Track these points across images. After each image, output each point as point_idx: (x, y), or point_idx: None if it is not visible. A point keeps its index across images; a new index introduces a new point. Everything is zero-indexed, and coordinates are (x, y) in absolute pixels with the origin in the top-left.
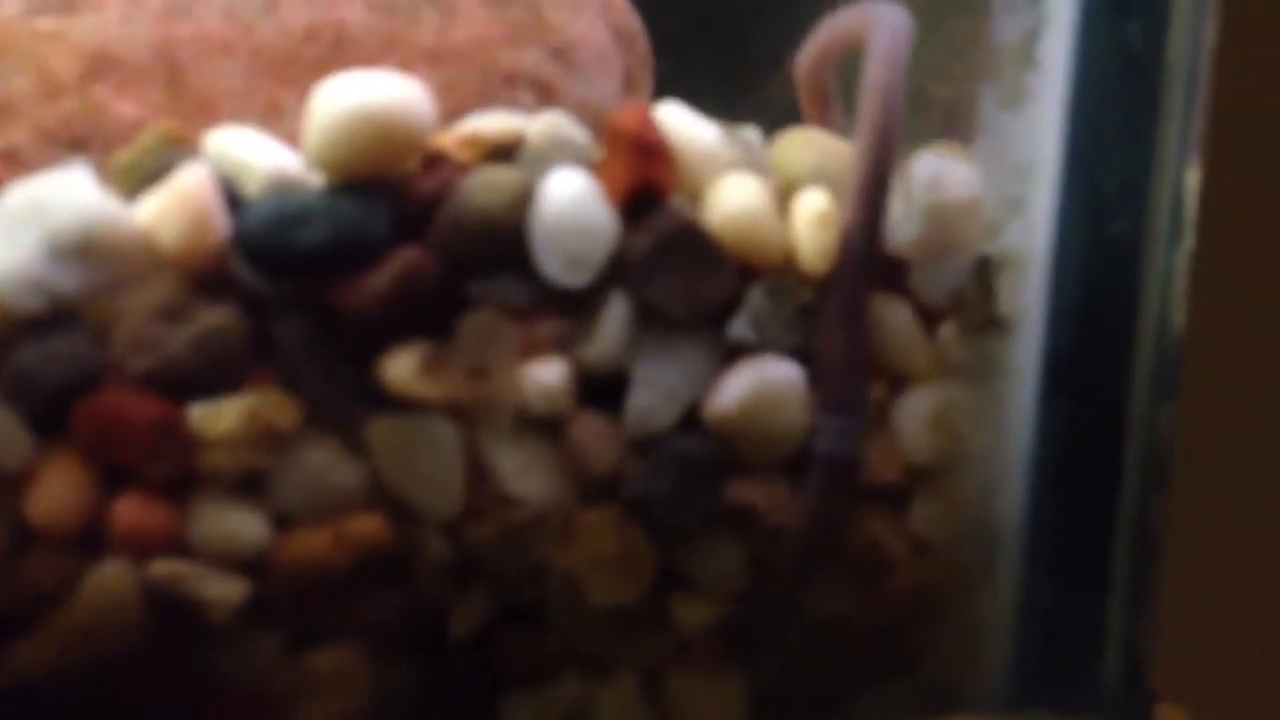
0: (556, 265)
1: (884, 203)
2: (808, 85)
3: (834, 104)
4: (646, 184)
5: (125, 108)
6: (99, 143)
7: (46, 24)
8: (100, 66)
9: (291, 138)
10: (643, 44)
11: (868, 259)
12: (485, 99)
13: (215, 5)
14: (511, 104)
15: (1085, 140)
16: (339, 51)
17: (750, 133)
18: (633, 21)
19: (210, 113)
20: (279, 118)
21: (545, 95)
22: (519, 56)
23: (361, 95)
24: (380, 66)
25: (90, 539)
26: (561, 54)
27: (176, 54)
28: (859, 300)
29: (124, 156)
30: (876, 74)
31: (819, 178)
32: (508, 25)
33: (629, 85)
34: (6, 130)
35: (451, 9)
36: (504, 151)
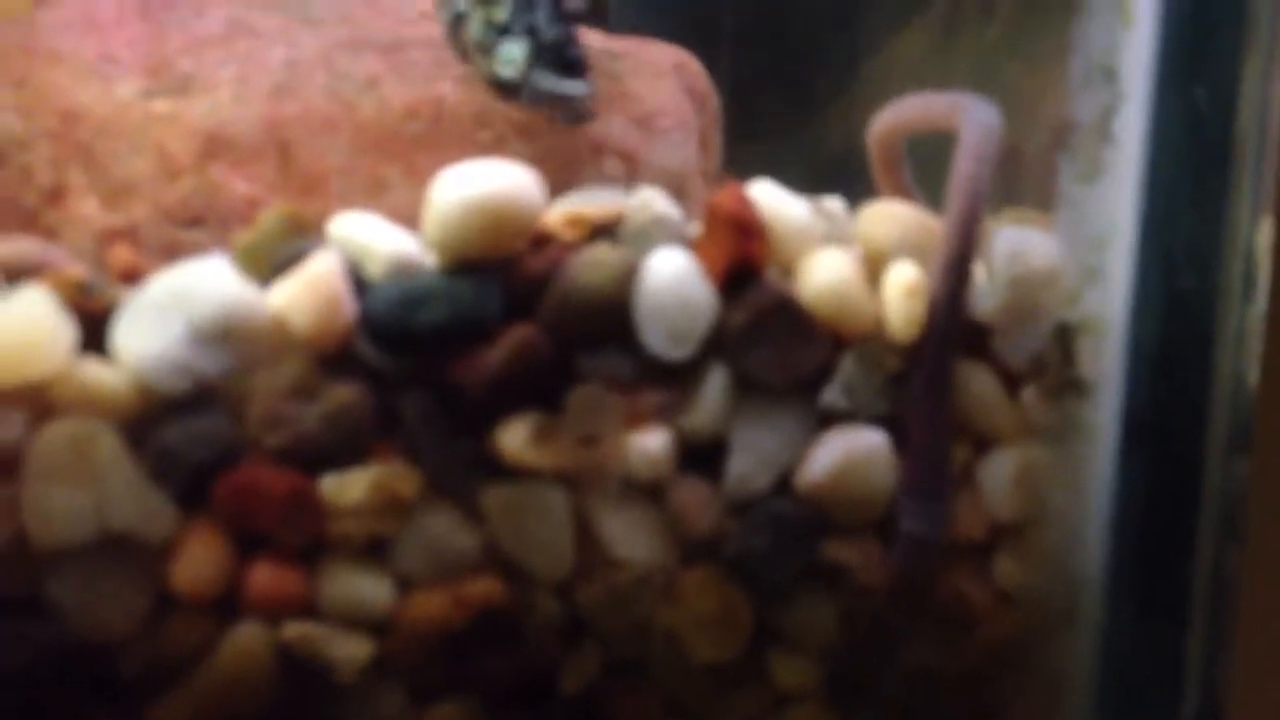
0: (660, 339)
1: (968, 278)
2: (881, 152)
3: (904, 170)
4: (744, 261)
5: (239, 185)
6: (215, 219)
7: (162, 106)
8: (215, 146)
9: (396, 211)
10: (714, 104)
11: (954, 330)
12: (574, 168)
13: (318, 85)
14: (598, 172)
15: (1159, 208)
16: (437, 127)
17: (833, 202)
18: (705, 83)
19: (318, 188)
20: (383, 192)
21: (630, 163)
22: (605, 126)
23: (478, 185)
24: (476, 141)
25: (227, 603)
26: (644, 122)
27: (285, 133)
28: (945, 377)
29: (246, 237)
30: (966, 166)
31: (903, 249)
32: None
33: (702, 145)
34: (127, 208)
35: None
36: (606, 230)
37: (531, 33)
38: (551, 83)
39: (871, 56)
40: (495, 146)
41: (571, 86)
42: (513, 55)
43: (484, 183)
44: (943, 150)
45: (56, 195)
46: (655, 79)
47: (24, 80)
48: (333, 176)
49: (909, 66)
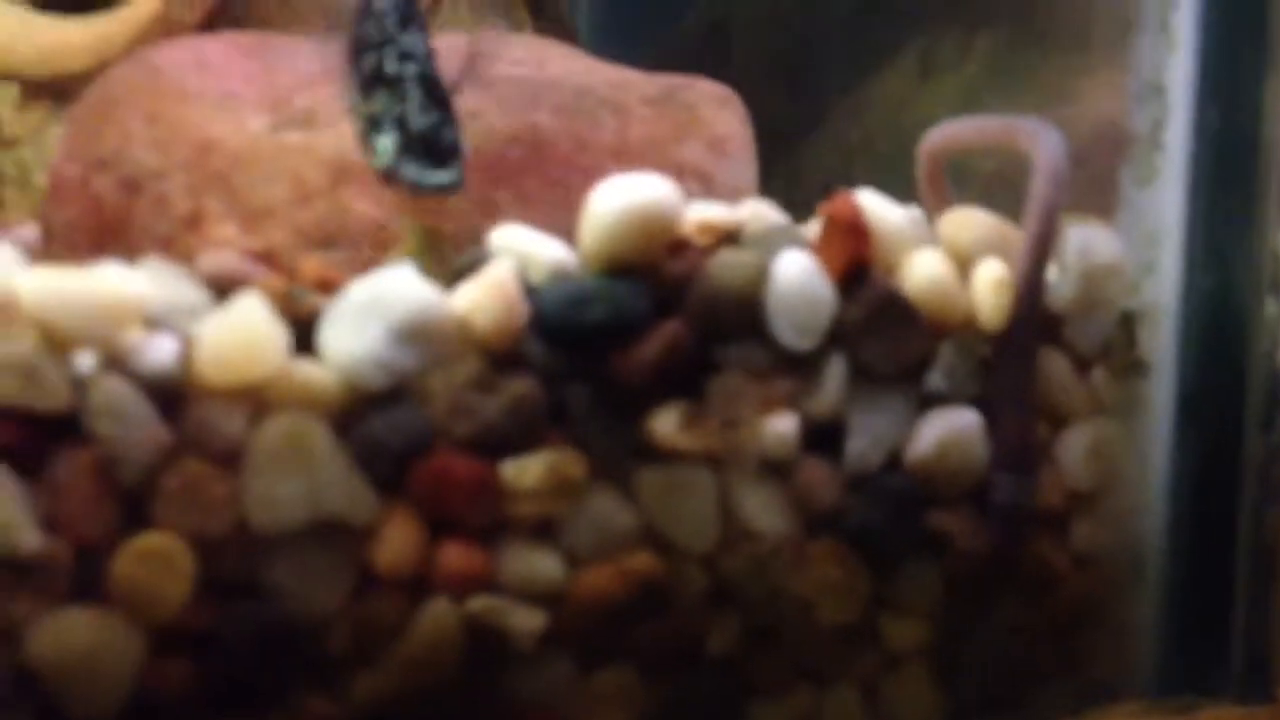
0: (788, 332)
1: (1045, 276)
2: (929, 167)
3: (946, 184)
4: (857, 261)
5: (366, 208)
6: (346, 240)
7: (293, 138)
8: (343, 174)
9: None
10: (752, 132)
11: (1035, 319)
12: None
13: None
14: (681, 192)
15: (1202, 208)
16: (539, 153)
17: (914, 211)
18: (745, 113)
19: (439, 212)
20: (494, 213)
21: (706, 183)
22: (683, 150)
23: (630, 196)
24: (575, 165)
25: (421, 581)
26: (716, 146)
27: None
28: (1028, 362)
29: (394, 252)
30: (1044, 187)
31: (982, 249)
32: (672, 123)
33: None
34: (266, 232)
35: (623, 111)
36: (731, 236)
37: (401, 124)
38: (416, 174)
39: (853, 92)
40: (593, 170)
41: (437, 177)
42: (384, 146)
43: (635, 194)
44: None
45: (194, 222)
46: (720, 107)
47: (155, 116)
48: (451, 200)
49: (889, 103)
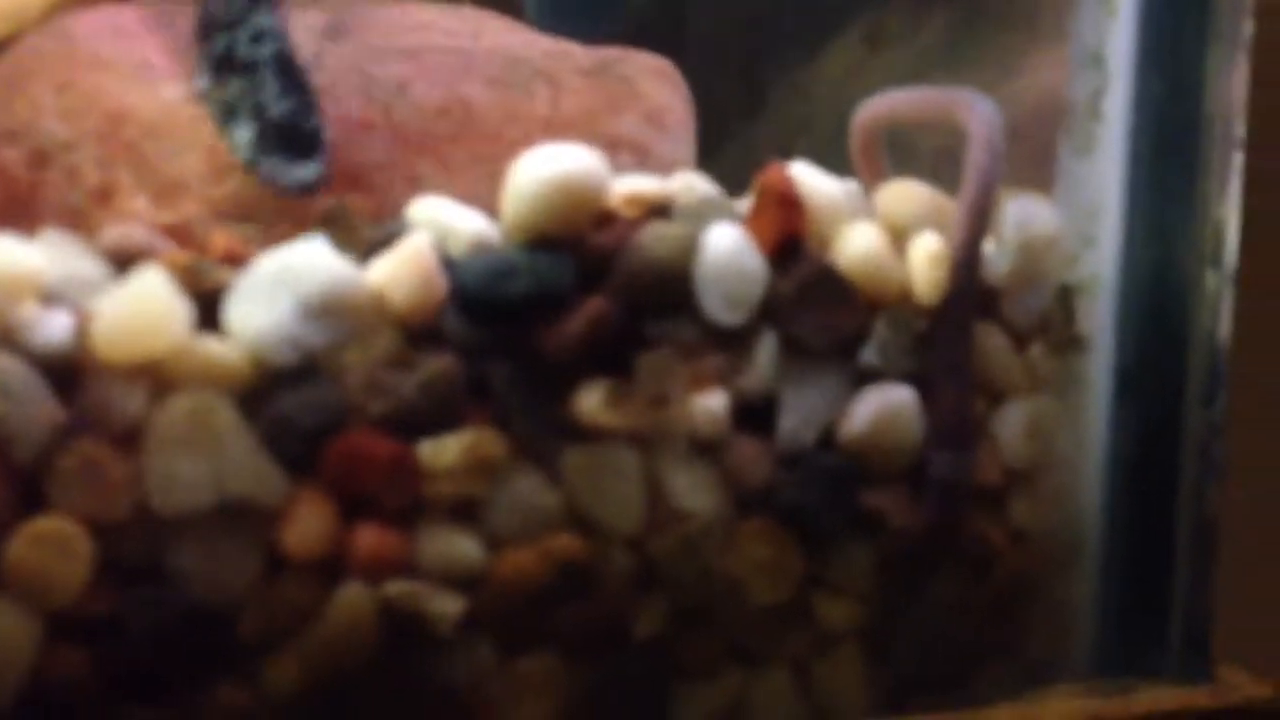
0: (718, 306)
1: (981, 250)
2: (863, 139)
3: (882, 156)
4: (790, 234)
5: None
6: (263, 216)
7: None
8: None
9: None
10: (692, 106)
11: (971, 293)
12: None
13: (353, 88)
14: (615, 166)
15: (1141, 181)
16: (468, 125)
17: (851, 184)
18: (684, 88)
19: (360, 184)
20: (421, 186)
21: (642, 157)
22: (619, 123)
23: (555, 166)
24: (505, 138)
25: (333, 564)
26: (652, 118)
27: (327, 133)
28: (965, 336)
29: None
30: (979, 157)
31: (919, 222)
32: (607, 95)
33: None
34: (179, 205)
35: (557, 83)
36: (661, 208)
37: (258, 112)
38: (275, 171)
39: (799, 68)
40: (523, 142)
41: (298, 174)
42: (241, 139)
43: (562, 164)
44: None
45: (105, 194)
46: (657, 80)
47: (67, 84)
48: (373, 173)
49: (839, 76)
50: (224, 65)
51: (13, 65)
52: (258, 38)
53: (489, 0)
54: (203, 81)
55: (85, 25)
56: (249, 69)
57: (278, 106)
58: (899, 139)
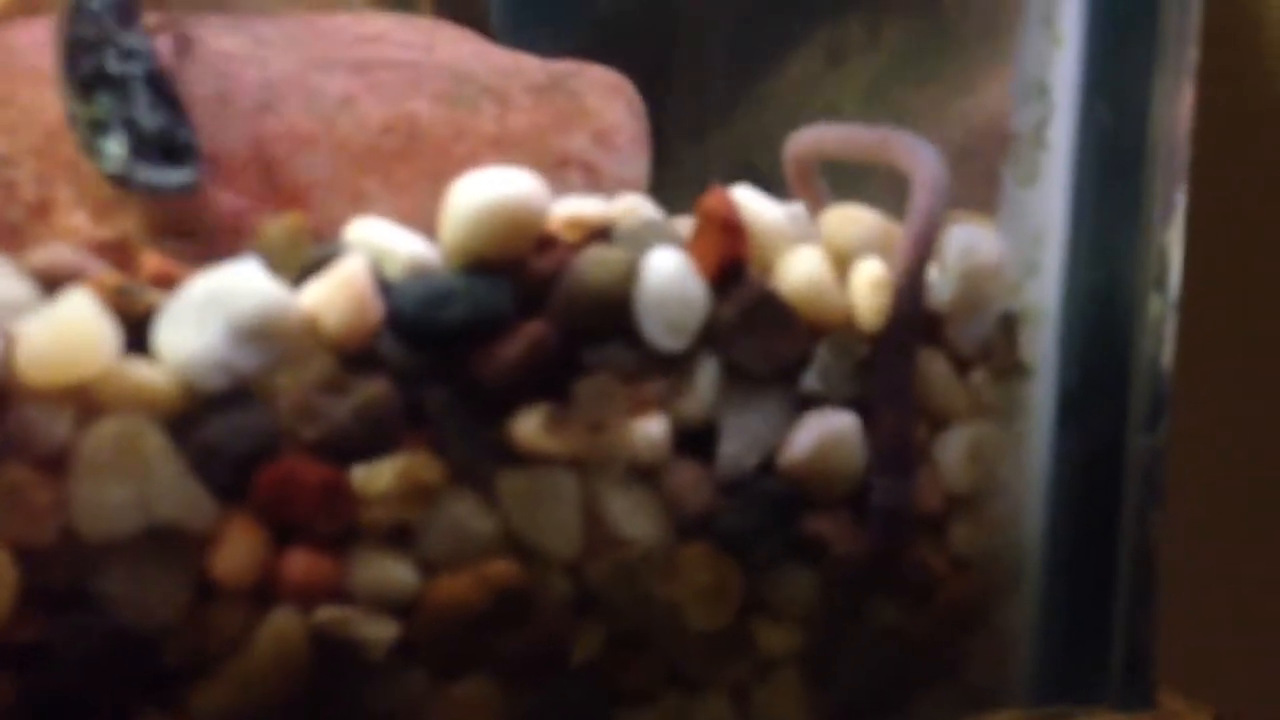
0: (658, 332)
1: (924, 278)
2: (797, 167)
3: (819, 182)
4: (732, 259)
5: (226, 199)
6: (204, 232)
7: None
8: (202, 162)
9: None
10: (646, 123)
11: (915, 320)
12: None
13: (296, 103)
14: (563, 184)
15: (1085, 209)
16: (414, 142)
17: (797, 208)
18: (639, 104)
19: (302, 202)
20: (365, 203)
21: (591, 175)
22: (567, 141)
23: (494, 190)
24: (451, 155)
25: (264, 591)
26: (602, 137)
27: (268, 149)
28: (908, 363)
29: (249, 247)
30: (924, 198)
31: (863, 247)
32: (556, 113)
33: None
34: (118, 221)
35: (505, 100)
36: (602, 232)
37: (130, 126)
38: (150, 174)
39: (761, 80)
40: (469, 159)
41: (173, 176)
42: (112, 150)
43: (500, 188)
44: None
45: (43, 210)
46: (608, 97)
47: (6, 99)
48: (315, 190)
49: (797, 90)
50: (92, 83)
51: None
52: (128, 55)
53: (454, 9)
54: (69, 101)
55: (25, 38)
56: (119, 84)
57: (150, 120)
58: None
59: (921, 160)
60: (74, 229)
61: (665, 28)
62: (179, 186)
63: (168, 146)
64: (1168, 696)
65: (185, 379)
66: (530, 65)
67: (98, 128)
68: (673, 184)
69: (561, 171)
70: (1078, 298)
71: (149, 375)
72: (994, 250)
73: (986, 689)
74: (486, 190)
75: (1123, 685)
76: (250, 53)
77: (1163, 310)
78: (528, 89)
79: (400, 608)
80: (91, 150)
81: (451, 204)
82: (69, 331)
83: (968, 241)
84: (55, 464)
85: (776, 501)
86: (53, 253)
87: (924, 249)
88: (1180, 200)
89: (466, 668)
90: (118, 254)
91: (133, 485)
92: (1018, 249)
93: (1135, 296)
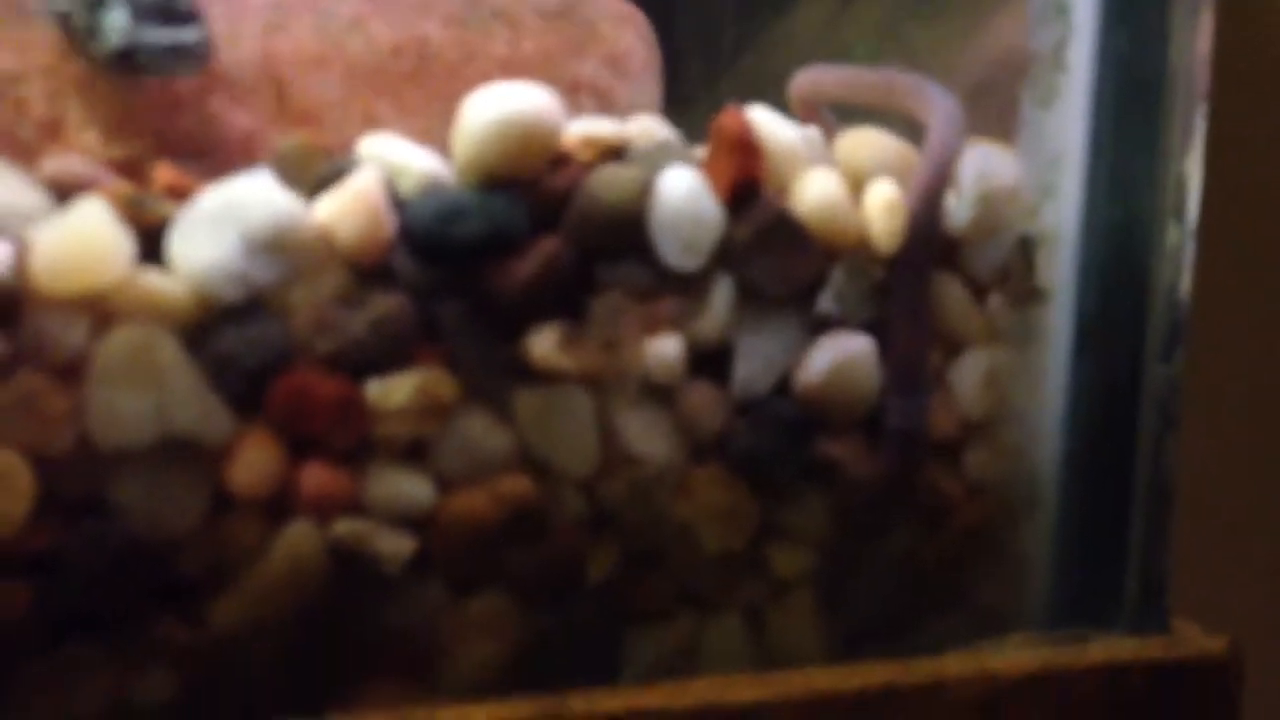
0: (673, 251)
1: (941, 204)
2: (802, 109)
3: (825, 116)
4: (747, 179)
5: (238, 119)
6: (215, 152)
7: None
8: (212, 82)
9: None
10: (658, 52)
11: (930, 242)
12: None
13: (306, 23)
14: (575, 109)
15: (1104, 134)
16: (424, 64)
17: (811, 131)
18: (650, 33)
19: (313, 122)
20: (376, 125)
21: (603, 101)
22: (580, 66)
23: (506, 105)
24: (462, 78)
25: (280, 503)
26: (614, 62)
27: (279, 69)
28: (923, 290)
29: (261, 163)
30: (938, 132)
31: (879, 170)
32: (568, 38)
33: None
34: (130, 141)
35: (517, 24)
36: (617, 151)
37: None
38: (160, 35)
39: (772, 20)
40: (480, 83)
41: (184, 34)
42: (115, 23)
43: (513, 103)
44: None
45: (53, 128)
46: (620, 24)
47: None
48: (326, 111)
49: (810, 31)
50: None
51: None
52: None
53: None
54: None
55: None
56: None
57: None
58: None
59: (931, 96)
60: (85, 148)
61: None
62: (184, 47)
63: (169, 12)
64: (1181, 624)
65: (200, 289)
66: None
67: (95, 5)
68: (683, 125)
69: (574, 96)
70: (1096, 224)
71: (163, 285)
72: (1011, 173)
73: (1000, 613)
74: (500, 105)
75: (1137, 610)
76: None
77: (1181, 238)
78: (539, 14)
79: (416, 522)
80: (92, 31)
81: (464, 119)
82: (82, 240)
83: (984, 164)
84: (70, 372)
85: (790, 424)
86: (64, 162)
87: (939, 181)
88: (1199, 128)
89: (482, 583)
90: (129, 172)
91: (148, 395)
92: (1035, 172)
93: (1154, 224)
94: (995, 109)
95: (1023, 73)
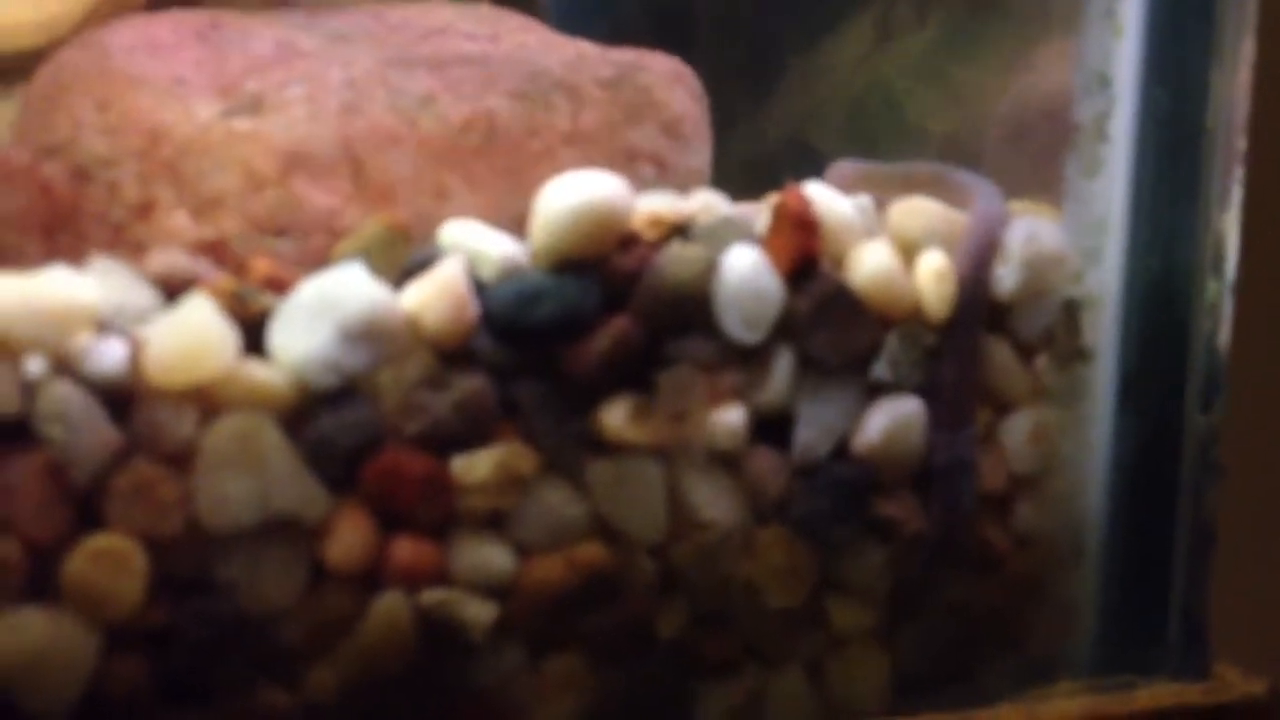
0: (736, 326)
1: (988, 272)
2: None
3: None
4: (806, 254)
5: (319, 198)
6: (299, 230)
7: (242, 125)
8: (294, 162)
9: (459, 216)
10: (707, 109)
11: (979, 305)
12: (614, 174)
13: (380, 102)
14: (635, 178)
15: (1146, 194)
16: (493, 139)
17: (864, 200)
18: (700, 91)
19: (389, 198)
20: (447, 200)
21: (661, 167)
22: (638, 134)
23: (582, 194)
24: (527, 151)
25: (373, 575)
26: (670, 128)
27: (356, 148)
28: (971, 336)
29: (353, 245)
30: (983, 211)
31: (930, 239)
32: (625, 107)
33: None
34: (216, 221)
35: (576, 93)
36: (681, 229)
37: None
38: None
39: (811, 54)
40: (545, 155)
41: None
42: None
43: (586, 190)
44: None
45: (145, 210)
46: (673, 87)
47: (105, 103)
48: (400, 187)
49: (847, 66)
50: None
51: (50, 79)
52: None
53: None
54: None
55: (120, 39)
56: None
57: None
58: (909, 125)
59: (976, 187)
60: (175, 229)
61: (710, 5)
62: None
63: None
64: (1223, 668)
65: (299, 378)
66: (592, 55)
67: None
68: (724, 162)
69: (633, 165)
70: (1137, 284)
71: (266, 375)
72: (1057, 240)
73: (1049, 661)
74: (576, 194)
75: (1180, 657)
76: (329, 51)
77: (1219, 293)
78: (597, 83)
79: (497, 590)
80: None
81: (541, 207)
82: (192, 335)
83: (1031, 232)
84: (181, 460)
85: (849, 485)
86: (169, 259)
87: (988, 250)
88: (1237, 186)
89: (559, 645)
90: (218, 253)
91: (252, 479)
92: (1080, 237)
93: (1193, 280)
94: (1034, 154)
95: (1060, 118)
